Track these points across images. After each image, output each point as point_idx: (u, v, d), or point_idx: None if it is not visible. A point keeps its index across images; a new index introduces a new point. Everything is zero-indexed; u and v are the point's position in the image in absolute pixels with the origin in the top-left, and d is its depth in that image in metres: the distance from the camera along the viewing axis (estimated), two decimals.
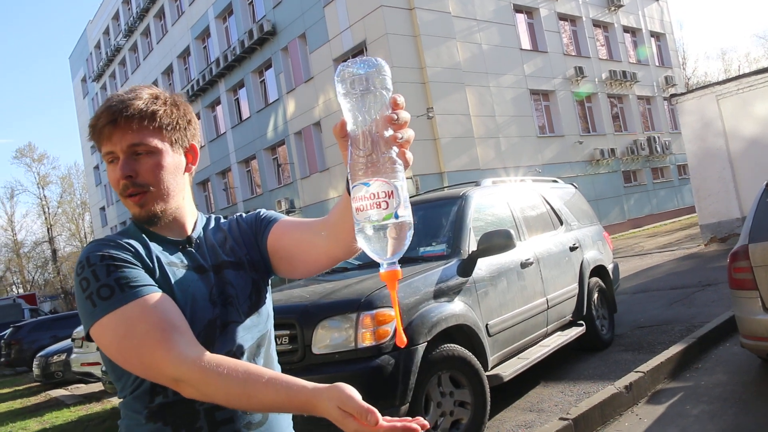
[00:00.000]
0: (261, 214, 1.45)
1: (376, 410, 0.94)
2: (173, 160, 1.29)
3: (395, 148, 0.91)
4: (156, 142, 1.26)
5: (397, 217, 0.89)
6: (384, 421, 0.93)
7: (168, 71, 34.16)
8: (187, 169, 1.35)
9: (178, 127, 1.30)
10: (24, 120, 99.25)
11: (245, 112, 28.23)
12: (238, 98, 28.93)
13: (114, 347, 1.15)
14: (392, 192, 0.89)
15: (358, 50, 21.54)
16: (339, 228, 1.17)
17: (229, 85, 28.67)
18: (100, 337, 1.16)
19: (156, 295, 1.17)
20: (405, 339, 0.94)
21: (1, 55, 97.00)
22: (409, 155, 0.93)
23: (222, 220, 1.47)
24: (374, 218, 0.89)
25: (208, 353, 1.12)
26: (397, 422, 0.92)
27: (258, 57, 26.34)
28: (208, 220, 1.45)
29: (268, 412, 1.20)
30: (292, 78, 24.44)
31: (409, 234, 0.92)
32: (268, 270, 1.41)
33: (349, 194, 0.94)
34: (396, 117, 0.90)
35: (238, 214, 1.49)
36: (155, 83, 33.59)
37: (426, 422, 0.94)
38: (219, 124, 30.46)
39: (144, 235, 1.30)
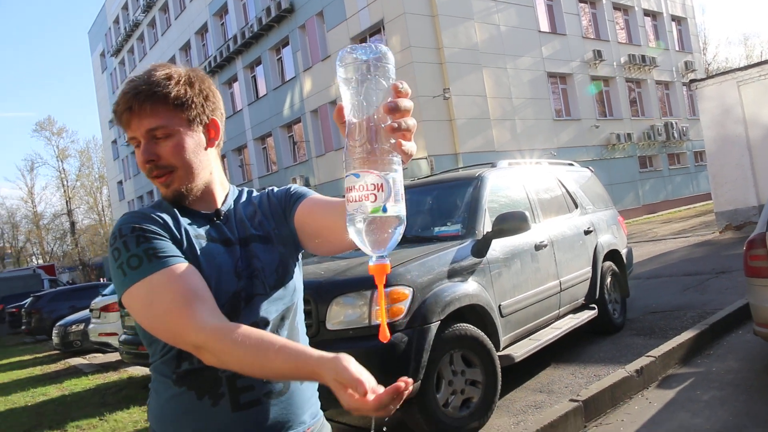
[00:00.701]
0: (291, 189, 1.47)
1: (365, 382, 0.94)
2: (192, 138, 1.31)
3: (392, 139, 0.88)
4: (172, 124, 1.28)
5: (385, 210, 0.87)
6: (372, 393, 0.94)
7: (186, 47, 34.15)
8: (209, 144, 1.36)
9: (193, 106, 1.30)
10: (44, 94, 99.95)
11: (262, 90, 28.22)
12: (254, 75, 28.90)
13: (142, 314, 1.20)
14: (382, 185, 0.87)
15: (376, 29, 21.41)
16: None
17: (246, 62, 28.63)
18: (130, 304, 1.21)
19: (182, 265, 1.21)
20: (388, 335, 0.93)
21: (21, 30, 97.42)
22: (409, 147, 0.90)
23: (254, 194, 1.49)
24: (362, 210, 0.88)
25: (227, 322, 1.16)
26: (383, 394, 0.93)
27: (275, 34, 26.26)
28: (240, 193, 1.48)
29: (282, 380, 1.22)
30: (309, 56, 24.36)
31: (399, 228, 0.90)
32: (297, 245, 1.43)
33: None
34: (395, 105, 0.87)
35: (270, 188, 1.51)
36: (173, 59, 33.64)
37: (409, 379, 0.95)
38: (236, 101, 30.48)
39: (175, 209, 1.34)
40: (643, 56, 28.24)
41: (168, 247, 1.23)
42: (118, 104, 1.27)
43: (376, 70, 0.88)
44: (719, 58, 50.19)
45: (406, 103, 0.88)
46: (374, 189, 0.87)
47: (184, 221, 1.32)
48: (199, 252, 1.28)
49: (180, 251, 1.25)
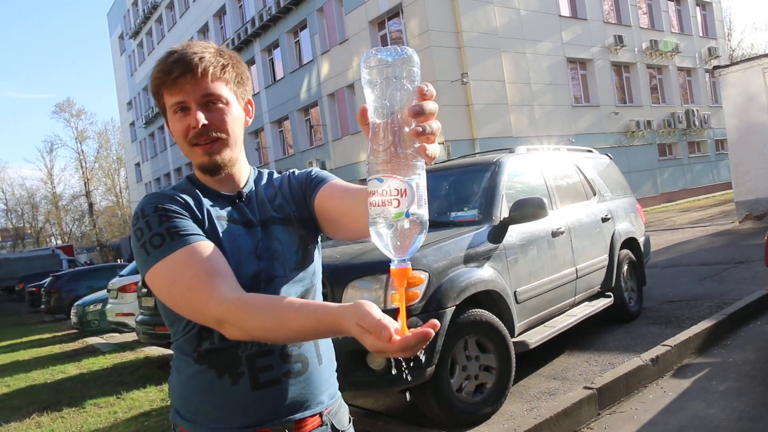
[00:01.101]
0: (312, 173, 1.47)
1: (390, 326, 0.92)
2: (238, 111, 1.35)
3: (417, 143, 0.87)
4: (227, 94, 1.31)
5: (408, 215, 0.87)
6: (397, 335, 0.92)
7: (203, 30, 34.16)
8: (245, 123, 1.40)
9: (241, 81, 1.35)
10: (63, 76, 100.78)
11: (279, 73, 28.20)
12: (272, 58, 28.88)
13: (165, 292, 1.21)
14: (405, 190, 0.87)
15: (394, 13, 21.26)
16: None
17: (264, 45, 28.60)
18: (153, 283, 1.23)
19: (203, 243, 1.22)
20: (408, 333, 0.91)
21: (41, 13, 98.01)
22: (433, 150, 0.89)
23: (275, 176, 1.50)
24: (385, 215, 0.88)
25: (246, 293, 1.17)
26: (410, 336, 0.91)
27: (293, 17, 26.17)
28: (261, 174, 1.48)
29: (305, 340, 1.19)
30: (327, 39, 24.26)
31: (422, 233, 0.90)
32: (316, 228, 1.43)
33: None
34: (420, 109, 0.85)
35: (291, 170, 1.52)
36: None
37: (437, 322, 0.93)
38: (253, 84, 30.05)
39: (197, 190, 1.35)
40: (665, 42, 27.79)
41: (190, 225, 1.25)
42: (172, 68, 1.26)
43: (401, 73, 0.87)
44: (744, 44, 49.29)
45: (431, 106, 0.87)
46: (398, 194, 0.87)
47: (206, 202, 1.33)
48: (220, 233, 1.30)
49: (202, 231, 1.26)
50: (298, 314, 1.07)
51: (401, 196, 0.87)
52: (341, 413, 1.43)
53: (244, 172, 1.42)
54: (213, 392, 1.28)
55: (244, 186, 1.41)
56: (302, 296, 1.37)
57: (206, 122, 1.28)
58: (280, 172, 1.52)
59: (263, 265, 1.32)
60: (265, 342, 1.19)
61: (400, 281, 0.91)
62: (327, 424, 1.37)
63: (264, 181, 1.46)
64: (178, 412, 1.34)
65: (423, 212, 0.90)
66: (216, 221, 1.31)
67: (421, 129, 0.86)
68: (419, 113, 0.86)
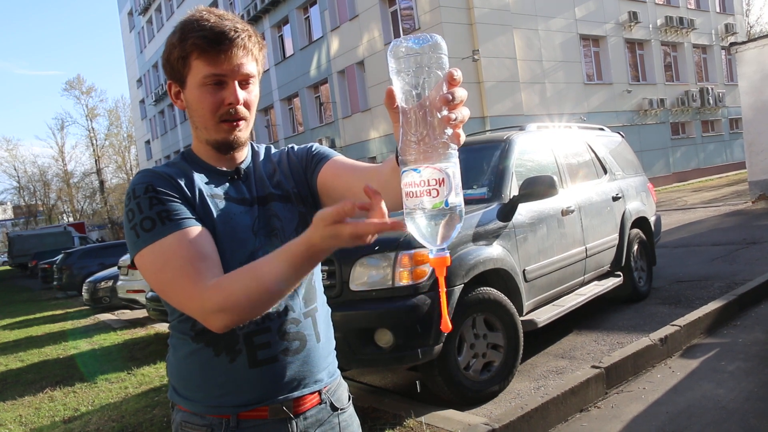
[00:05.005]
0: (313, 149, 1.44)
1: (348, 200, 0.93)
2: (258, 91, 1.34)
3: (449, 130, 0.86)
4: (257, 75, 1.31)
5: (447, 204, 0.87)
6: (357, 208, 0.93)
7: (213, 6, 33.86)
8: None
9: (262, 61, 1.33)
10: (72, 53, 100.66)
11: (289, 50, 28.00)
12: (282, 35, 28.66)
13: (153, 279, 1.20)
14: (443, 179, 0.86)
15: None
16: (389, 186, 1.11)
17: (274, 22, 28.38)
18: (141, 267, 1.22)
19: (193, 228, 1.20)
20: (450, 325, 0.92)
21: None
22: (462, 135, 0.89)
23: (273, 151, 1.47)
24: (424, 206, 0.87)
25: (223, 274, 1.16)
26: (387, 223, 0.92)
27: None
28: (258, 150, 1.45)
29: (291, 284, 1.12)
30: (337, 15, 24.03)
31: (460, 222, 0.90)
32: (317, 204, 1.41)
33: (397, 161, 0.92)
34: (451, 97, 0.84)
35: (290, 146, 1.49)
36: None
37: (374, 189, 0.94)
38: None
39: (191, 167, 1.32)
40: (681, 18, 27.33)
41: (180, 209, 1.22)
42: (219, 36, 1.21)
43: (429, 60, 0.86)
44: (763, 20, 48.43)
45: (461, 92, 0.86)
46: (436, 184, 0.86)
47: (201, 180, 1.30)
48: (214, 212, 1.27)
49: (192, 211, 1.24)
50: (273, 262, 1.06)
51: (440, 186, 0.86)
52: (340, 391, 1.43)
53: (245, 149, 1.40)
54: (211, 370, 1.28)
55: (242, 162, 1.39)
56: None
57: (243, 101, 1.27)
58: (278, 148, 1.49)
59: (259, 242, 1.30)
60: (257, 313, 1.15)
61: (440, 270, 0.91)
62: (326, 402, 1.37)
63: (262, 156, 1.43)
64: (176, 390, 1.34)
65: (460, 201, 0.89)
66: (209, 200, 1.28)
67: (454, 116, 0.86)
68: (450, 100, 0.85)
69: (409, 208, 0.89)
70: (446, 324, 0.92)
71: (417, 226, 0.89)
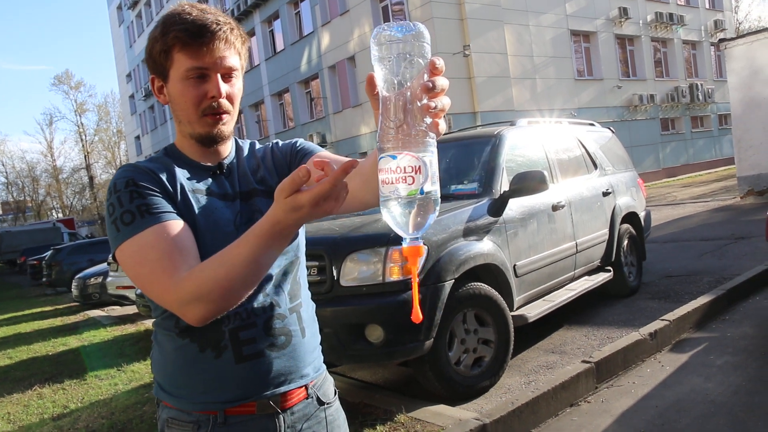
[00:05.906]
0: (297, 144, 1.43)
1: (302, 166, 0.94)
2: (242, 85, 1.34)
3: (428, 118, 0.86)
4: (240, 68, 1.30)
5: (422, 192, 0.86)
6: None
7: (202, 1, 33.73)
8: None
9: (245, 55, 1.33)
10: (61, 47, 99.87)
11: (279, 45, 27.91)
12: (272, 30, 28.56)
13: (132, 273, 1.19)
14: (420, 167, 0.85)
15: None
16: (372, 178, 1.10)
17: (264, 17, 28.27)
18: (122, 261, 1.20)
19: (172, 222, 1.19)
20: (421, 315, 0.91)
21: None
22: (443, 126, 0.89)
23: (257, 146, 1.46)
24: (399, 193, 0.86)
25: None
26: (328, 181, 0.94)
27: None
28: (242, 145, 1.44)
29: (262, 263, 1.11)
30: (328, 10, 23.97)
31: (435, 211, 0.89)
32: None
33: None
34: (431, 85, 0.84)
35: (274, 141, 1.48)
36: None
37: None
38: (253, 56, 30.17)
39: (173, 162, 1.31)
40: (671, 14, 27.46)
41: (161, 203, 1.21)
42: (201, 29, 1.20)
43: (412, 48, 0.85)
44: (752, 17, 48.64)
45: (442, 81, 0.85)
46: (412, 171, 0.85)
47: (182, 175, 1.29)
48: (195, 207, 1.26)
49: (174, 206, 1.23)
50: (240, 246, 1.05)
51: (415, 174, 0.85)
52: (326, 386, 1.43)
53: (228, 144, 1.39)
54: (196, 366, 1.27)
55: (225, 157, 1.37)
56: (286, 269, 1.35)
57: (226, 95, 1.26)
58: (263, 144, 1.49)
59: None
60: (232, 300, 1.13)
61: (413, 260, 0.90)
62: (312, 397, 1.37)
63: (246, 152, 1.42)
64: (162, 386, 1.33)
65: (436, 189, 0.89)
66: (190, 194, 1.27)
67: (433, 105, 0.85)
68: (431, 89, 0.84)
69: (385, 195, 0.88)
70: (417, 314, 0.91)
71: (391, 214, 0.88)
